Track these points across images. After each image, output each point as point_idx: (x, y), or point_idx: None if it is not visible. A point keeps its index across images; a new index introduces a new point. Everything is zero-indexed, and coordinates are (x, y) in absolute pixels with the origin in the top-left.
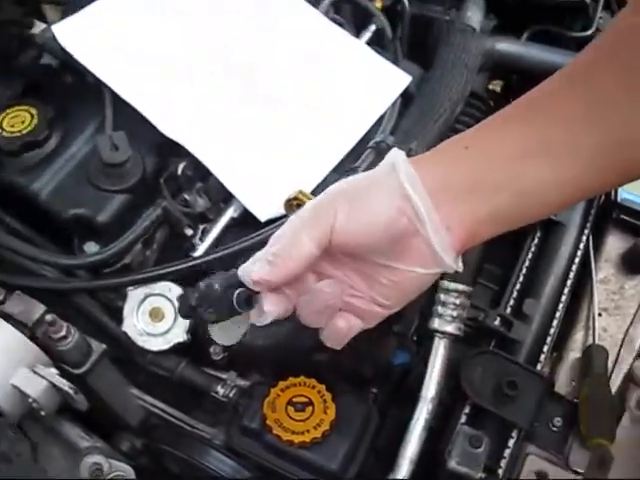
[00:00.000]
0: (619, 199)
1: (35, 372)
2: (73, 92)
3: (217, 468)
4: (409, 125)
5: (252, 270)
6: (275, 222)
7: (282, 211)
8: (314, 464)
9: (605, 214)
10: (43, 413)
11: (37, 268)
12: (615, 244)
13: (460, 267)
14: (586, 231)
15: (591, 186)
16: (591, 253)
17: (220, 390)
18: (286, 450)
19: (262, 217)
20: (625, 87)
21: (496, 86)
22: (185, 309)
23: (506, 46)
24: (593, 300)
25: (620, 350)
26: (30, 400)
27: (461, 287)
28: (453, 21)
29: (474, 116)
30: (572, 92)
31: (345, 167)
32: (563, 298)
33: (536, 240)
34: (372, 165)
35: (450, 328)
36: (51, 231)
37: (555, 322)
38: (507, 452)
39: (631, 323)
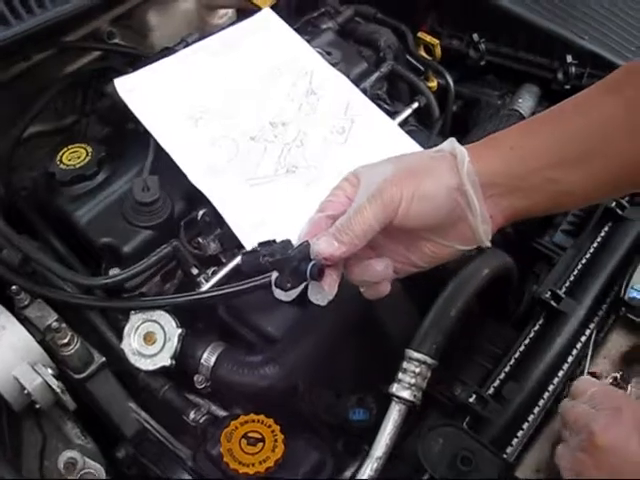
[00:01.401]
0: (627, 297)
1: (33, 369)
2: (129, 137)
3: None
4: None
5: (323, 248)
6: None
7: None
8: None
9: (611, 310)
10: (38, 406)
11: (61, 284)
12: (618, 342)
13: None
14: (592, 325)
15: (623, 187)
16: (590, 344)
17: (192, 415)
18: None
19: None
20: None
21: None
22: (252, 267)
23: None
24: None
25: None
26: (25, 392)
27: (423, 358)
28: (497, 105)
29: None
30: (611, 98)
31: None
32: (551, 387)
33: (537, 326)
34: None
35: (405, 394)
36: (86, 254)
37: (537, 410)
38: None
39: None
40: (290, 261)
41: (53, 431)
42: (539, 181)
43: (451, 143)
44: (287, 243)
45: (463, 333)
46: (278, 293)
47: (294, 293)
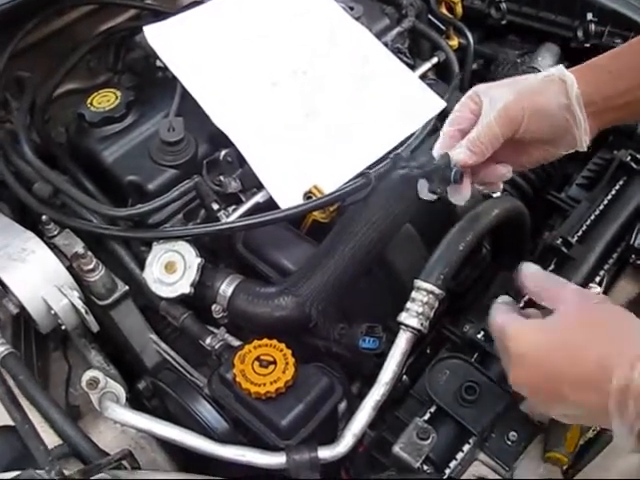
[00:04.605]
0: (637, 244)
1: (60, 290)
2: (157, 84)
3: (202, 415)
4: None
5: (462, 157)
6: None
7: (300, 201)
8: (266, 417)
9: (621, 257)
10: (64, 327)
11: (88, 216)
12: (627, 288)
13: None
14: (601, 272)
15: None
16: (600, 288)
17: (208, 340)
18: (247, 400)
19: (282, 204)
20: None
21: None
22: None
23: None
24: None
25: None
26: (52, 313)
27: (431, 287)
28: (515, 60)
29: None
30: None
31: None
32: None
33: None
34: (384, 173)
35: (413, 322)
36: (113, 192)
37: None
38: (460, 455)
39: None
40: (437, 170)
41: (78, 361)
42: (627, 100)
43: (560, 70)
44: (429, 156)
45: (476, 281)
46: (425, 195)
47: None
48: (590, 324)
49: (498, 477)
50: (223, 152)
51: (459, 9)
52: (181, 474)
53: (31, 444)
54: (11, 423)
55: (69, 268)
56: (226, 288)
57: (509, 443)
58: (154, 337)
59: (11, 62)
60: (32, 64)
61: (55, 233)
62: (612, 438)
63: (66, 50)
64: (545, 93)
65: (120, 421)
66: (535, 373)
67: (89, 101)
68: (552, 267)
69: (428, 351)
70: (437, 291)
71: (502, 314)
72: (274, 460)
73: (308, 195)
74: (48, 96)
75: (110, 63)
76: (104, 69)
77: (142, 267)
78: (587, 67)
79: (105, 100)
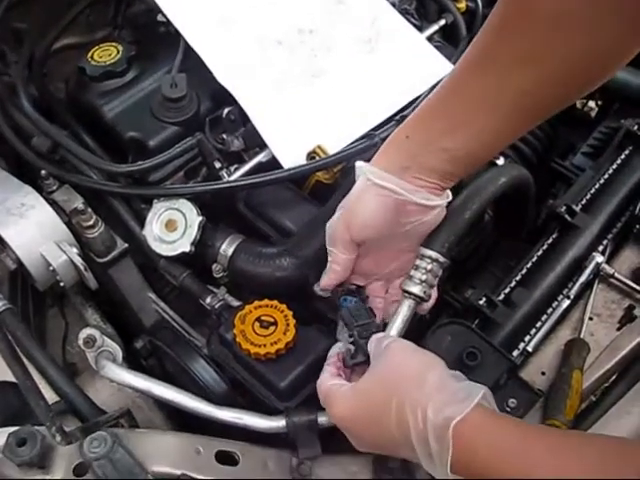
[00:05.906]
0: None
1: (59, 246)
2: (160, 39)
3: (200, 375)
4: None
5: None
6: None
7: (304, 161)
8: (266, 378)
9: (626, 227)
10: (62, 284)
11: (88, 172)
12: (630, 257)
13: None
14: (605, 241)
15: (502, 146)
16: (603, 257)
17: (208, 299)
18: (247, 361)
19: (285, 164)
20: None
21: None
22: None
23: None
24: (588, 302)
25: (600, 355)
26: (51, 269)
27: (435, 255)
28: None
29: None
30: (479, 77)
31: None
32: (560, 297)
33: (550, 239)
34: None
35: (416, 290)
36: (113, 148)
37: (545, 317)
38: None
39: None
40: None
41: (75, 319)
42: (432, 157)
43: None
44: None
45: (478, 247)
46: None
47: None
48: (387, 383)
49: None
50: (226, 110)
51: None
52: (178, 433)
53: (32, 400)
54: (6, 379)
55: (68, 224)
56: (227, 248)
57: (508, 410)
58: (153, 296)
59: (7, 13)
60: (29, 15)
61: (54, 188)
62: (612, 403)
63: (64, 1)
64: (357, 194)
65: (116, 380)
66: (350, 437)
67: (90, 55)
68: (555, 234)
69: (427, 316)
70: (441, 259)
71: (328, 378)
72: (273, 424)
73: (312, 155)
74: (46, 49)
75: (110, 17)
76: (103, 23)
77: (142, 225)
78: (389, 141)
79: (106, 54)
